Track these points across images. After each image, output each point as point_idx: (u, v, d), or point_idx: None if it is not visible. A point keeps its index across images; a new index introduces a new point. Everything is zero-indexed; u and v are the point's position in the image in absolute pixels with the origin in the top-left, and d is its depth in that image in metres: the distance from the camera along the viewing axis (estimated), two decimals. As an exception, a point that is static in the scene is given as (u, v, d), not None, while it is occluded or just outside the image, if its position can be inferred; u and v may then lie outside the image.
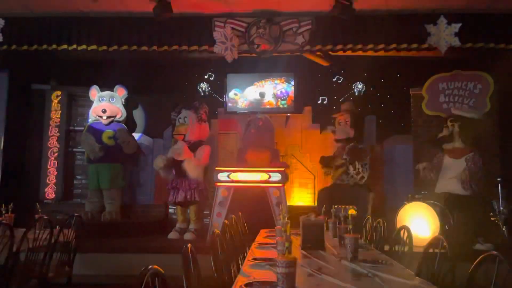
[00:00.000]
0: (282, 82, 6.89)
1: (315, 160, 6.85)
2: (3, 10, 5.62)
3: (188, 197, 5.63)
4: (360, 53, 5.87)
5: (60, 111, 6.90)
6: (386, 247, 3.25)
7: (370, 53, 5.86)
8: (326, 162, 6.11)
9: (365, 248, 2.86)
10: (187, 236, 5.59)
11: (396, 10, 5.62)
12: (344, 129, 6.01)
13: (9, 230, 2.85)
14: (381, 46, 5.67)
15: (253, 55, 5.96)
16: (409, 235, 2.82)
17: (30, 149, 6.82)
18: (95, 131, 6.31)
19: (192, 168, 5.60)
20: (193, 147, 5.87)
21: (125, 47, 5.81)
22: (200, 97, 7.01)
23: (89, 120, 6.58)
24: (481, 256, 1.86)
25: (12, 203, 4.11)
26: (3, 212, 4.03)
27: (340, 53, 5.93)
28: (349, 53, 5.90)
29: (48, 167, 6.77)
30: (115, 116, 6.52)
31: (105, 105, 6.46)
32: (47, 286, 3.35)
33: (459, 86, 6.45)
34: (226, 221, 3.37)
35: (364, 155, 5.77)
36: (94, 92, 6.61)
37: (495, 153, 6.24)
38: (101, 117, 6.43)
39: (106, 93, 6.59)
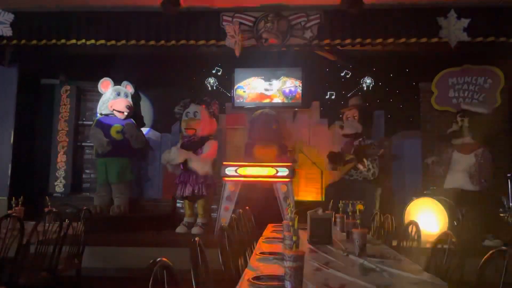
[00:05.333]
0: (290, 76, 6.87)
1: (323, 155, 6.84)
2: (13, 5, 5.65)
3: (195, 191, 5.65)
4: (369, 47, 5.82)
5: (69, 106, 6.95)
6: (394, 242, 3.24)
7: (379, 47, 5.82)
8: (334, 157, 6.08)
9: (373, 243, 2.85)
10: (195, 230, 5.62)
11: (405, 4, 5.56)
12: (352, 124, 5.97)
13: (19, 223, 2.88)
14: (390, 40, 5.61)
15: (261, 49, 5.95)
16: (418, 231, 2.80)
17: (39, 143, 6.89)
18: (104, 126, 6.34)
19: (198, 165, 5.61)
20: (201, 142, 5.88)
21: (133, 41, 5.83)
22: (208, 92, 7.02)
23: (98, 114, 6.59)
24: (490, 251, 1.84)
25: (22, 196, 4.16)
26: (14, 205, 4.08)
27: (349, 47, 5.89)
28: (357, 47, 5.85)
29: (57, 161, 6.83)
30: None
31: (128, 101, 6.45)
32: (56, 279, 3.38)
33: (469, 81, 6.38)
34: (233, 215, 3.38)
35: (373, 152, 5.73)
36: (107, 84, 6.55)
37: (505, 148, 6.18)
38: (121, 112, 6.40)
39: (122, 88, 6.58)
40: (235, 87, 6.95)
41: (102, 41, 5.84)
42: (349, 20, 5.58)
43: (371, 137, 6.27)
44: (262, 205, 5.65)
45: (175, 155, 5.66)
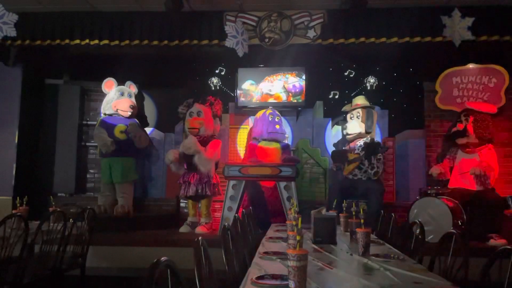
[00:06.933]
0: (294, 76, 6.87)
1: (326, 155, 6.84)
2: (17, 5, 5.68)
3: (199, 191, 5.65)
4: (372, 46, 5.80)
5: (73, 106, 6.97)
6: (398, 242, 3.23)
7: (382, 46, 5.80)
8: (338, 156, 6.06)
9: (376, 243, 2.85)
10: (198, 230, 5.62)
11: (409, 3, 5.55)
12: (357, 124, 5.94)
13: (23, 222, 2.89)
14: (394, 39, 5.60)
15: (264, 49, 5.95)
16: (422, 230, 2.79)
17: (43, 143, 6.91)
18: (108, 126, 6.35)
19: (203, 162, 5.62)
20: (205, 141, 5.89)
21: (136, 41, 5.85)
22: (211, 92, 7.02)
23: (102, 114, 6.60)
24: (496, 251, 1.83)
25: (26, 196, 4.18)
26: (18, 205, 4.10)
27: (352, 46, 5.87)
28: (361, 46, 5.83)
29: (61, 161, 6.84)
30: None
31: (132, 101, 6.48)
32: (60, 278, 3.40)
33: (473, 80, 6.35)
34: (236, 215, 3.39)
35: (381, 150, 5.70)
36: (111, 84, 6.55)
37: (509, 148, 6.15)
38: (125, 112, 6.42)
39: (125, 88, 6.60)
40: (238, 86, 6.95)
41: (106, 41, 5.86)
42: (353, 19, 5.57)
43: (374, 136, 6.25)
44: (265, 205, 5.65)
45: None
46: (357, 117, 5.97)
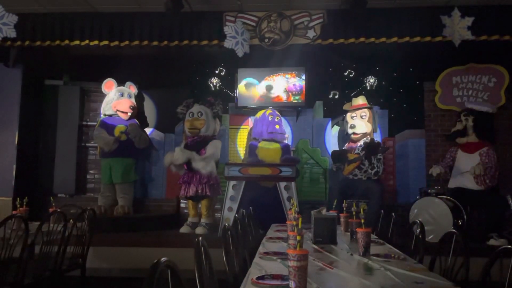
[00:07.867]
0: (294, 77, 6.87)
1: (326, 155, 6.83)
2: (17, 6, 5.68)
3: (199, 191, 5.65)
4: (372, 46, 5.80)
5: (72, 106, 6.98)
6: (399, 242, 3.23)
7: (382, 46, 5.80)
8: (338, 156, 6.05)
9: (377, 243, 2.85)
10: (199, 230, 5.62)
11: (409, 3, 5.55)
12: (363, 124, 5.91)
13: (24, 223, 2.89)
14: (394, 39, 5.60)
15: (264, 49, 5.95)
16: (422, 230, 2.79)
17: (43, 144, 6.92)
18: (108, 126, 6.36)
19: (201, 165, 5.62)
20: (205, 142, 5.88)
21: (136, 42, 5.85)
22: (211, 92, 7.02)
23: (102, 114, 6.61)
24: (497, 250, 1.83)
25: (26, 197, 4.17)
26: (18, 205, 4.10)
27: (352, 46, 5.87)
28: (361, 46, 5.83)
29: (61, 161, 6.84)
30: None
31: (132, 102, 6.50)
32: (60, 279, 3.39)
33: (473, 80, 6.36)
34: (237, 215, 3.38)
35: (381, 150, 5.69)
36: (110, 84, 6.58)
37: (510, 147, 6.16)
38: (125, 112, 6.44)
39: (125, 89, 6.61)
40: (238, 87, 6.95)
41: (106, 42, 5.86)
42: (352, 20, 5.57)
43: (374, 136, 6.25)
44: (266, 205, 5.64)
45: (178, 155, 5.68)
46: (361, 117, 5.93)
